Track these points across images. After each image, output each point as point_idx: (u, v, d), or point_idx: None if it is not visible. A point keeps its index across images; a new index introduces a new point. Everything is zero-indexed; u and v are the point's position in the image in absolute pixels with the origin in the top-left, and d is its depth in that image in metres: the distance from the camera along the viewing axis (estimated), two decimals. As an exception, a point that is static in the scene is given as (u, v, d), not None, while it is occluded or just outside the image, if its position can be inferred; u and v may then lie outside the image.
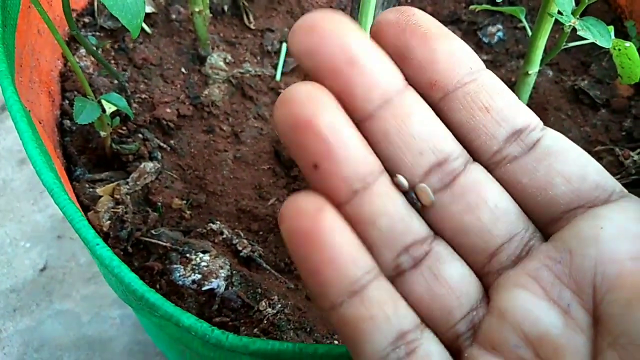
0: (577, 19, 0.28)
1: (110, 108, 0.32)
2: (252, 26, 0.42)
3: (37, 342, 0.57)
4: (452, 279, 0.17)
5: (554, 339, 0.15)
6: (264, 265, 0.33)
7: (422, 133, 0.17)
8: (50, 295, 0.60)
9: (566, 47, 0.32)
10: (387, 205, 0.17)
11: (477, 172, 0.17)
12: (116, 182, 0.32)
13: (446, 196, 0.17)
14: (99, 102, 0.30)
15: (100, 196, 0.32)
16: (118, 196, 0.31)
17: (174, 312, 0.19)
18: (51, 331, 0.58)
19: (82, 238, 0.20)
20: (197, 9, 0.35)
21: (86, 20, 0.40)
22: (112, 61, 0.38)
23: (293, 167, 0.38)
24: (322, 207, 0.16)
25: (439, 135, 0.17)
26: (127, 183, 0.32)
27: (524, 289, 0.16)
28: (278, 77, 0.40)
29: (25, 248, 0.63)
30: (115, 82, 0.37)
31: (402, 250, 0.17)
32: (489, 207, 0.17)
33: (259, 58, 0.41)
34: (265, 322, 0.30)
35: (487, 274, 0.17)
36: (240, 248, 0.33)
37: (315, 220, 0.15)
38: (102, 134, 0.31)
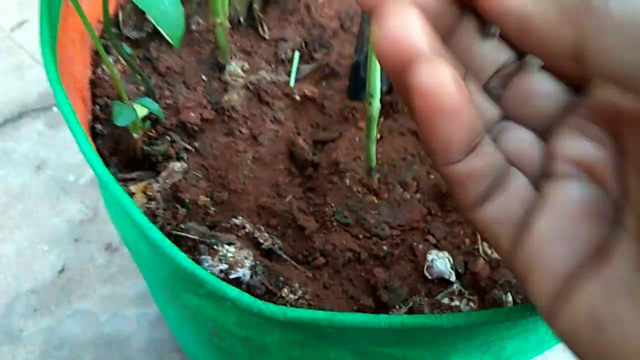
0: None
1: (141, 112, 0.34)
2: (266, 36, 0.45)
3: (57, 341, 0.60)
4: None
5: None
6: (284, 256, 0.36)
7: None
8: (69, 295, 0.62)
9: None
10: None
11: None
12: (147, 181, 0.35)
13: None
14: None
15: (134, 193, 0.34)
16: (150, 193, 0.34)
17: (221, 286, 0.21)
18: (70, 330, 0.61)
19: (137, 224, 0.23)
20: (218, 21, 0.38)
21: (112, 30, 0.42)
22: (138, 69, 0.41)
23: (306, 167, 0.41)
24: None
25: None
26: (157, 182, 0.35)
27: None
28: (292, 83, 0.43)
29: (44, 251, 0.66)
30: (142, 88, 0.39)
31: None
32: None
33: (273, 66, 0.44)
34: (288, 307, 0.32)
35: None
36: (261, 241, 0.36)
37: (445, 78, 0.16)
38: (135, 136, 0.34)
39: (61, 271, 0.64)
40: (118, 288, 0.63)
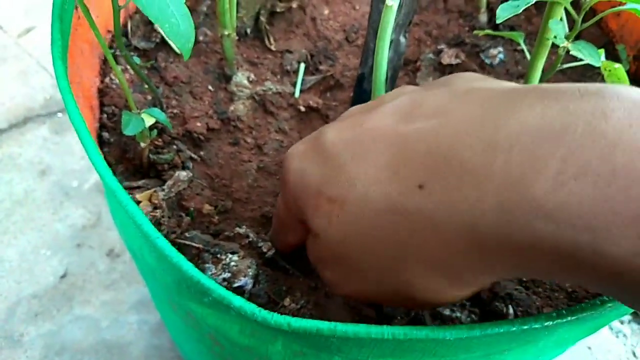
0: (570, 42, 0.32)
1: (149, 122, 0.35)
2: (272, 48, 0.45)
3: (58, 346, 0.60)
4: None
5: None
6: (287, 266, 0.36)
7: None
8: (71, 301, 0.63)
9: (562, 68, 0.35)
10: None
11: None
12: (153, 189, 0.35)
13: None
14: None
15: (139, 201, 0.34)
16: (156, 201, 0.34)
17: (226, 295, 0.22)
18: (71, 335, 0.61)
19: (143, 232, 0.23)
20: (226, 32, 0.39)
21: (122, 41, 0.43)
22: (145, 79, 0.41)
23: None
24: None
25: None
26: (163, 190, 0.35)
27: None
28: (297, 94, 0.44)
29: (46, 256, 0.66)
30: (149, 97, 0.40)
31: None
32: None
33: (279, 77, 0.45)
34: (290, 316, 0.33)
35: None
36: (265, 250, 0.36)
37: None
38: (142, 144, 0.34)
39: (63, 276, 0.65)
40: (120, 294, 0.63)
